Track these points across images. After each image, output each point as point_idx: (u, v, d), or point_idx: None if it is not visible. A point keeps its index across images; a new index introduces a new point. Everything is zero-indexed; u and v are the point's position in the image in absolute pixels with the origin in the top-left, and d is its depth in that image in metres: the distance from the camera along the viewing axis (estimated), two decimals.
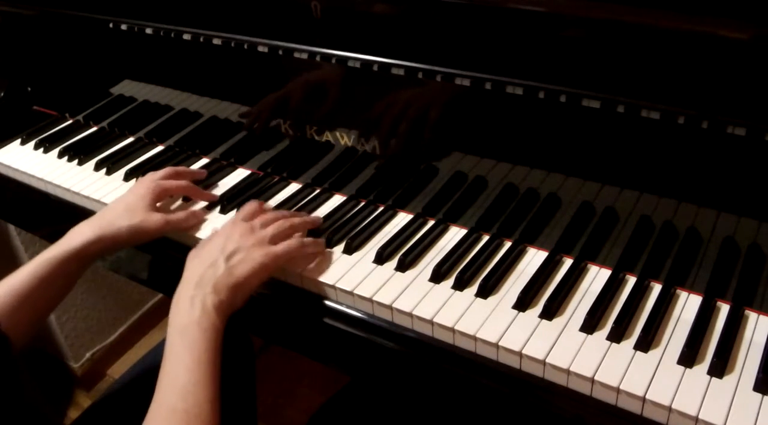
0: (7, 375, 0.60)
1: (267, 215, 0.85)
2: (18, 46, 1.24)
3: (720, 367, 0.67)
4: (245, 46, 0.93)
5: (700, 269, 0.76)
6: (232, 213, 0.95)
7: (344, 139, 0.93)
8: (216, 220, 0.94)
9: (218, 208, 0.96)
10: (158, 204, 0.93)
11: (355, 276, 0.81)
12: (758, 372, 0.66)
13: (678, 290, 0.77)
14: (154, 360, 1.04)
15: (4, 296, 0.80)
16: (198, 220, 0.94)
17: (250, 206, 0.87)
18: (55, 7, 1.11)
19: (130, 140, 1.17)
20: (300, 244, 0.82)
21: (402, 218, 0.92)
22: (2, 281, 0.82)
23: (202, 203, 0.98)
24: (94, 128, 1.22)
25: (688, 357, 0.68)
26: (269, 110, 0.99)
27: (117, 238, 0.87)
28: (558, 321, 0.74)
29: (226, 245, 0.79)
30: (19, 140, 1.20)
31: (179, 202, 0.99)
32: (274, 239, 0.81)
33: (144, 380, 0.99)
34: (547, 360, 0.69)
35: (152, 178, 0.95)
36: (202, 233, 0.92)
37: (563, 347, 0.70)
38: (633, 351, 0.70)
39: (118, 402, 0.97)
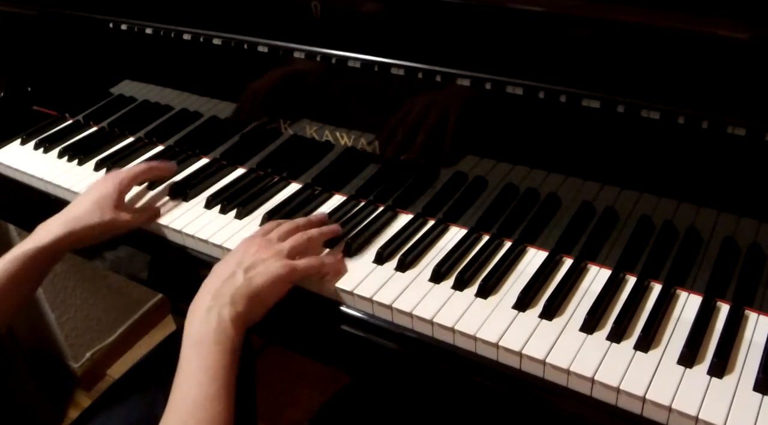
0: None
1: (283, 227, 0.84)
2: (18, 46, 1.24)
3: (720, 367, 0.67)
4: (245, 46, 0.93)
5: (700, 269, 0.76)
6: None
7: (344, 139, 0.93)
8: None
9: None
10: (127, 198, 0.96)
11: (355, 276, 0.81)
12: (758, 372, 0.66)
13: (678, 290, 0.77)
14: (154, 360, 1.04)
15: None
16: (158, 211, 0.97)
17: (269, 224, 0.87)
18: (55, 7, 1.11)
19: (130, 140, 1.18)
20: (320, 263, 0.81)
21: (402, 218, 0.92)
22: None
23: (166, 198, 1.00)
24: (94, 128, 1.22)
25: (688, 357, 0.68)
26: (269, 109, 0.99)
27: (86, 235, 0.89)
28: (558, 321, 0.74)
29: (244, 258, 0.78)
30: (19, 140, 1.20)
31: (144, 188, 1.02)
32: (292, 253, 0.80)
33: (143, 380, 0.99)
34: (547, 360, 0.69)
35: (117, 172, 0.97)
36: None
37: (563, 347, 0.70)
38: (633, 351, 0.70)
39: (118, 402, 0.97)
